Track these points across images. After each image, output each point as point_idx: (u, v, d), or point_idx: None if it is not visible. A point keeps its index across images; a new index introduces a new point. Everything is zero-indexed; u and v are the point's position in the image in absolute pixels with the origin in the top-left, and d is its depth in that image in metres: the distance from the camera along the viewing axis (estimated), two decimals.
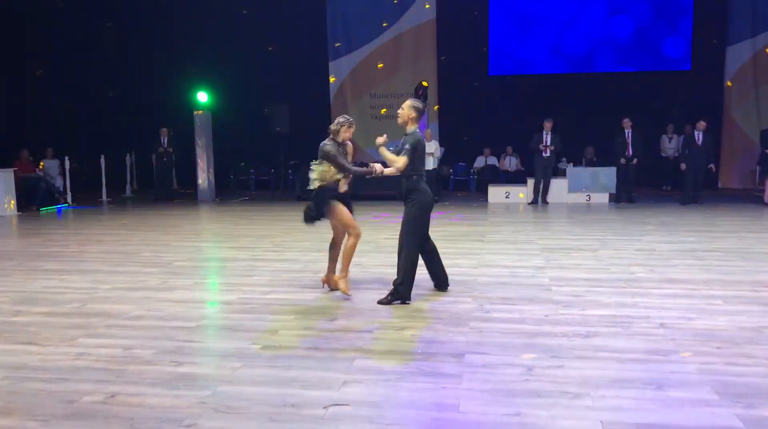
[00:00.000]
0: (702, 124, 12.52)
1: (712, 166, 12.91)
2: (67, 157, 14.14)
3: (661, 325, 4.50)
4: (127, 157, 16.15)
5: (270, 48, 16.27)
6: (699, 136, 12.54)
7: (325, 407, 3.19)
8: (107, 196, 14.78)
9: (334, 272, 5.59)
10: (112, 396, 3.36)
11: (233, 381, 3.57)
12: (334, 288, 5.55)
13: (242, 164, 17.32)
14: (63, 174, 14.33)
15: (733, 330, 4.36)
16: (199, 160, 14.93)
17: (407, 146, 5.11)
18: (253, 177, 17.26)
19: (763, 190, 12.49)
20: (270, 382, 3.53)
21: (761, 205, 12.17)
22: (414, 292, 5.26)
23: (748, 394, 3.27)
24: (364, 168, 5.59)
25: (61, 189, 14.22)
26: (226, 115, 15.48)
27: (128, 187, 16.11)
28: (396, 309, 5.02)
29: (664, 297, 5.28)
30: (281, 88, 16.08)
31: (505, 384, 3.48)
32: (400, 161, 5.10)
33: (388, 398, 3.30)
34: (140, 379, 3.59)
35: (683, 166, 12.68)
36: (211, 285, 6.16)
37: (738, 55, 15.63)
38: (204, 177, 14.96)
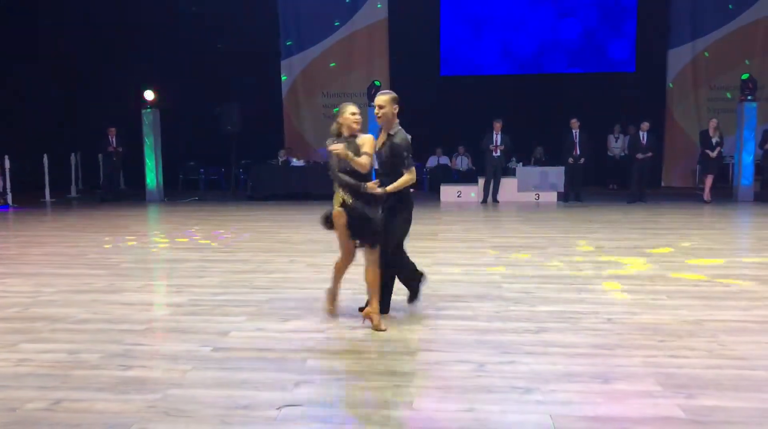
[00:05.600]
0: (645, 125, 12.96)
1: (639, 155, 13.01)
2: (6, 156, 13.63)
3: (608, 320, 4.62)
4: (72, 157, 15.67)
5: (219, 46, 16.03)
6: (643, 137, 12.97)
7: (277, 408, 3.16)
8: (51, 197, 14.31)
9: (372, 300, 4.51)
10: (57, 402, 3.26)
11: (183, 384, 3.51)
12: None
13: (192, 164, 17.03)
14: (2, 173, 13.80)
15: (675, 324, 4.51)
16: (147, 160, 14.59)
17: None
18: (203, 177, 17.00)
19: (703, 189, 12.96)
20: (221, 385, 3.48)
21: (701, 202, 12.62)
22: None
23: (689, 385, 3.39)
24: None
25: (0, 189, 13.70)
26: (175, 114, 15.18)
27: (73, 188, 15.63)
28: (348, 309, 5.01)
29: (611, 292, 5.42)
30: (232, 87, 15.87)
31: (458, 380, 3.52)
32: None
33: (341, 398, 3.30)
34: (86, 385, 3.49)
35: (639, 155, 12.92)
36: (161, 286, 6.04)
37: (679, 59, 16.19)
38: (152, 177, 14.62)
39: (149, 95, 14.39)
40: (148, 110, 14.50)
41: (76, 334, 4.42)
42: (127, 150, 14.69)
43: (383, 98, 4.59)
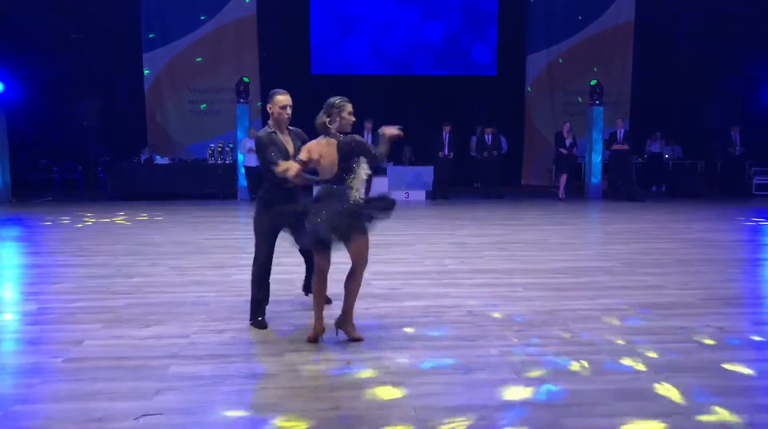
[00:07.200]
0: (489, 130, 14.11)
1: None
2: None
3: (469, 313, 4.83)
4: None
5: (73, 35, 14.96)
6: (488, 138, 14.05)
7: (135, 418, 3.02)
8: None
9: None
10: None
11: (30, 399, 3.26)
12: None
13: (44, 162, 15.80)
14: None
15: (530, 314, 4.79)
16: None
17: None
18: (57, 176, 15.82)
19: (558, 187, 13.90)
20: (73, 397, 3.27)
21: (557, 200, 13.52)
22: (233, 293, 5.14)
23: (542, 371, 3.62)
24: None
25: None
26: (24, 108, 13.98)
27: None
28: (214, 312, 4.88)
29: (473, 286, 5.67)
30: (90, 79, 14.89)
31: (325, 379, 3.54)
32: None
33: (203, 404, 3.20)
34: None
35: (485, 154, 14.04)
36: (7, 294, 5.56)
37: (536, 64, 17.21)
38: None
39: None
40: None
41: None
42: None
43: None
